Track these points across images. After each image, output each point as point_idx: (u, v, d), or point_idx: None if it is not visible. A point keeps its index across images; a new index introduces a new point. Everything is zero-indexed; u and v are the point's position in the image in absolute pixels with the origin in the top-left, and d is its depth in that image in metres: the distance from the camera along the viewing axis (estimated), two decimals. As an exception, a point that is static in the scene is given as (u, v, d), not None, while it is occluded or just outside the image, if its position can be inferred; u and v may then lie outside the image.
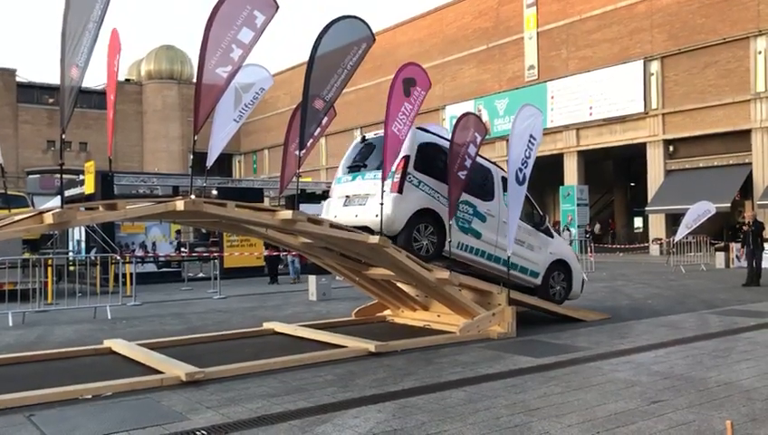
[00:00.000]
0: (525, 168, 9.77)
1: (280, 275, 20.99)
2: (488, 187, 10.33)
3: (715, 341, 8.94)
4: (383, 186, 8.93)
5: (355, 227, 8.95)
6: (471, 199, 9.90)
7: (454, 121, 10.01)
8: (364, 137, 10.65)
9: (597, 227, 38.32)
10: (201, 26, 7.62)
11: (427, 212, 9.43)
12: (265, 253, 20.51)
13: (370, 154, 10.07)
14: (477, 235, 9.91)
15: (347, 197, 9.99)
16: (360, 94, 44.83)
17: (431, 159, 9.71)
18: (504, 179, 10.14)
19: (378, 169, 9.25)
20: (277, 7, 8.02)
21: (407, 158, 9.33)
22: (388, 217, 9.05)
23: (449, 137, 9.83)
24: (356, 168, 10.17)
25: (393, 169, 9.16)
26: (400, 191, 9.19)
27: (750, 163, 28.66)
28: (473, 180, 9.91)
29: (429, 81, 9.74)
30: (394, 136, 8.98)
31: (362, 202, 9.60)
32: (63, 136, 6.98)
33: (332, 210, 10.09)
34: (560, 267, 11.12)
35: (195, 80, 7.80)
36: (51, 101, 51.94)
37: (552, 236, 11.32)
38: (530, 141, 9.88)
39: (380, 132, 9.57)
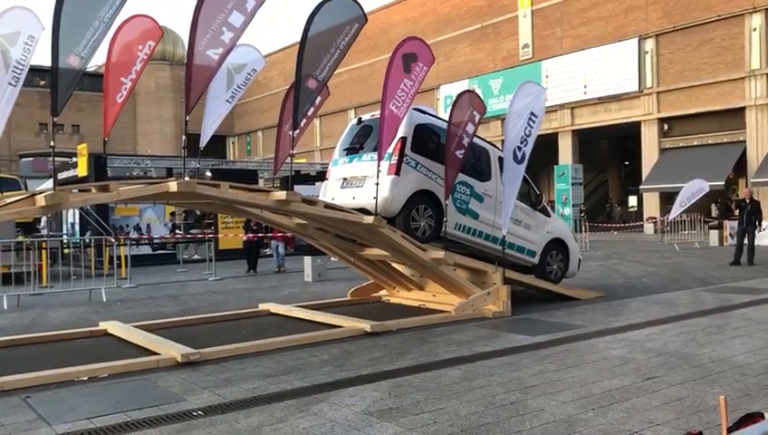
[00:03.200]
0: (525, 146, 9.72)
1: (262, 258, 19.17)
2: (485, 167, 10.29)
3: (708, 318, 9.00)
4: (379, 167, 8.89)
5: (353, 209, 8.92)
6: (468, 180, 9.86)
7: (449, 101, 9.94)
8: (360, 118, 10.57)
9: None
10: (192, 8, 7.56)
11: (425, 193, 9.41)
12: (244, 237, 18.20)
13: (367, 136, 10.00)
14: (475, 215, 9.90)
15: (344, 179, 9.94)
16: (353, 74, 44.58)
17: (428, 140, 9.65)
18: (501, 159, 10.08)
19: (375, 150, 9.17)
20: None
21: (403, 139, 9.27)
22: (386, 199, 9.01)
23: (443, 117, 9.76)
24: (353, 150, 10.10)
25: (390, 150, 9.11)
26: (398, 173, 9.14)
27: (744, 141, 28.67)
28: (470, 161, 9.88)
29: (432, 56, 9.47)
30: (392, 115, 8.83)
31: (360, 184, 9.56)
32: (55, 119, 6.95)
33: (330, 193, 10.05)
34: (557, 246, 11.14)
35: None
36: (42, 83, 51.39)
37: (548, 216, 11.33)
38: (530, 119, 9.82)
39: (377, 114, 9.49)
